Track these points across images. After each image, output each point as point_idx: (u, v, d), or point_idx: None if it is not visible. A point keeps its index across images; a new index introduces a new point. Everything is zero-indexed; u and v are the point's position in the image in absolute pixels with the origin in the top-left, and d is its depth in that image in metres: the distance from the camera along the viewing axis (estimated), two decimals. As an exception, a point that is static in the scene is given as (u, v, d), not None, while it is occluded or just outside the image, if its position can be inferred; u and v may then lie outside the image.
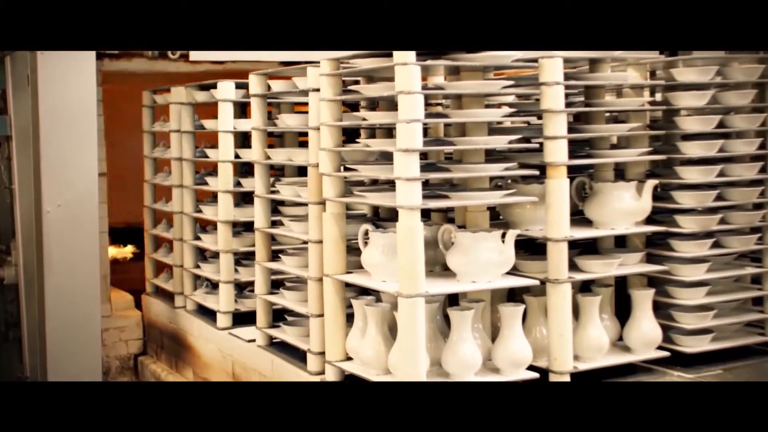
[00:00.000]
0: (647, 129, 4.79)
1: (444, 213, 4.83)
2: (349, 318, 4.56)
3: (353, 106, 5.67)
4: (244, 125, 5.94)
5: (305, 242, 5.15)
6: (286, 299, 5.11)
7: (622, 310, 4.64)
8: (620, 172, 4.83)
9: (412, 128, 3.89)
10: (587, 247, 4.75)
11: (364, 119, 4.53)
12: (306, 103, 6.20)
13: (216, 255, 6.18)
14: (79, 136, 6.24)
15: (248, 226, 6.21)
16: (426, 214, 4.67)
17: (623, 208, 4.47)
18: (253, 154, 5.33)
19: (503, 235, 4.13)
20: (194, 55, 7.32)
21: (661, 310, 4.63)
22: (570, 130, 4.29)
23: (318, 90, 4.58)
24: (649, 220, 4.64)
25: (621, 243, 4.80)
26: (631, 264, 4.55)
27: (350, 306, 4.54)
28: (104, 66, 7.16)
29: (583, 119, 4.77)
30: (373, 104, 5.30)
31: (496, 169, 4.21)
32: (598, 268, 4.38)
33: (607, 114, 4.87)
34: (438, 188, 4.42)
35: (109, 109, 7.33)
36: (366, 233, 4.37)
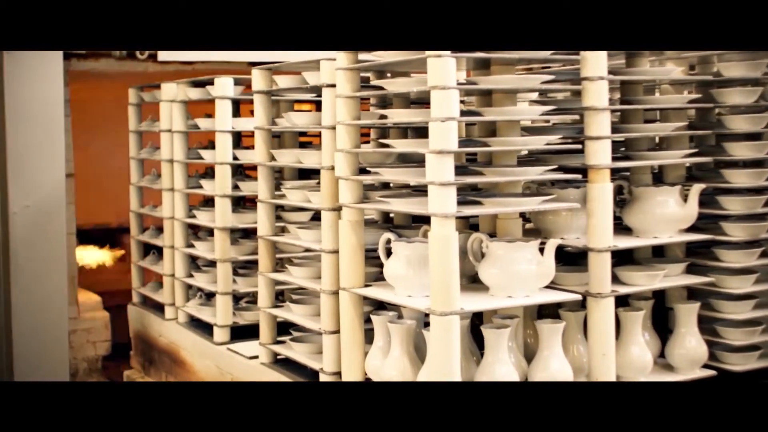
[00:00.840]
0: (687, 128, 4.43)
1: (466, 220, 4.44)
2: (367, 334, 4.17)
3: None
4: (242, 124, 5.52)
5: (308, 250, 4.77)
6: (294, 313, 4.69)
7: (658, 325, 4.29)
8: (656, 175, 4.48)
9: (447, 127, 3.49)
10: (621, 257, 4.37)
11: (383, 116, 4.14)
12: (308, 101, 5.82)
13: (210, 264, 5.76)
14: (46, 137, 6.14)
15: (245, 233, 5.83)
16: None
17: (667, 214, 4.10)
18: (257, 155, 4.90)
19: (541, 245, 3.76)
20: (163, 55, 7.21)
21: (703, 324, 4.27)
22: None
23: (333, 86, 4.17)
24: (688, 228, 4.28)
25: (658, 252, 4.43)
26: (673, 275, 4.19)
27: (368, 321, 4.15)
28: (72, 66, 7.04)
29: (619, 118, 4.41)
30: (384, 101, 4.92)
31: (536, 172, 3.82)
32: (642, 280, 4.01)
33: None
34: (464, 193, 4.02)
35: (75, 109, 7.17)
36: (387, 242, 3.97)
